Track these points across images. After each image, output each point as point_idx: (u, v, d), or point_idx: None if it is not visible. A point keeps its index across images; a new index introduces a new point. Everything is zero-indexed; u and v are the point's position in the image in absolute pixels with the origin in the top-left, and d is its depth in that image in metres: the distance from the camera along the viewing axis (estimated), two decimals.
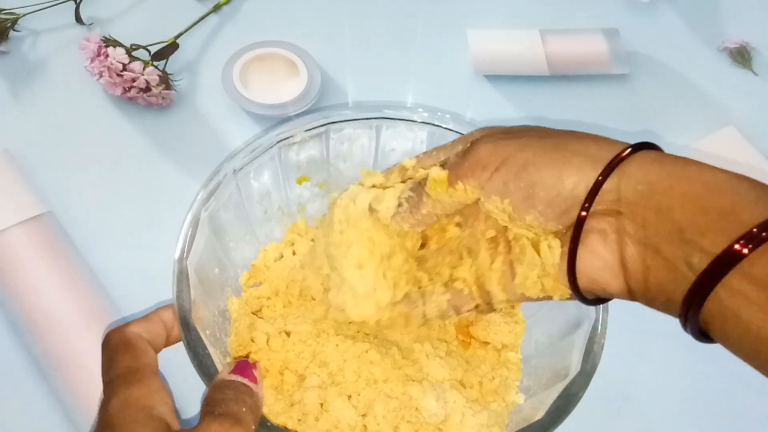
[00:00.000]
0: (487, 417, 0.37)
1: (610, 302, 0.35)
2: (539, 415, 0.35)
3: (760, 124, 0.57)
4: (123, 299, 0.47)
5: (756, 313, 0.22)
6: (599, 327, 0.37)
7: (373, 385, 0.37)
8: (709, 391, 0.48)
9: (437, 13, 0.61)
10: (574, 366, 0.36)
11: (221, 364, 0.35)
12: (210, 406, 0.32)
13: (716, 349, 0.49)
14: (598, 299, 0.30)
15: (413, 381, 0.37)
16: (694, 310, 0.24)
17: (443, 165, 0.32)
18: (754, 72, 0.60)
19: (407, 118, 0.43)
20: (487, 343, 0.42)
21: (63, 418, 0.44)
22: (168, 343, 0.36)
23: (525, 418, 0.36)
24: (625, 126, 0.58)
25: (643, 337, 0.48)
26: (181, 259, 0.37)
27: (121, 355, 0.33)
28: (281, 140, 0.42)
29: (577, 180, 0.27)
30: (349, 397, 0.36)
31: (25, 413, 0.45)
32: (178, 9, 0.58)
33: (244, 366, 0.35)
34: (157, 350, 0.34)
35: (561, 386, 0.36)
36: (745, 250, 0.22)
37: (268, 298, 0.41)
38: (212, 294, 0.39)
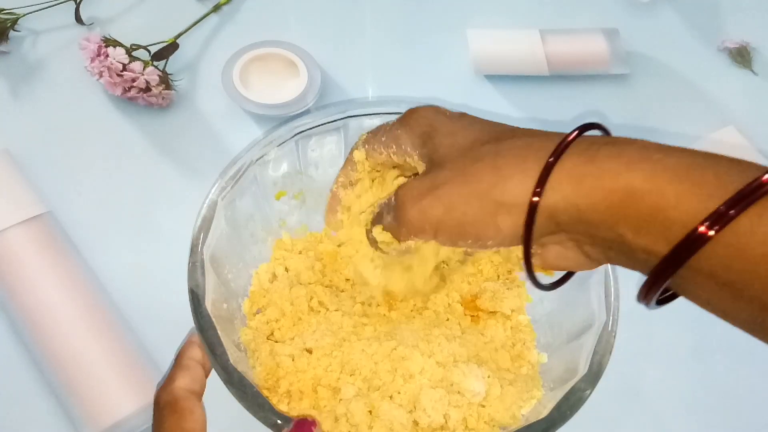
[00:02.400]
0: (523, 382, 0.38)
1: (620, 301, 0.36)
2: (546, 412, 0.35)
3: (760, 124, 0.57)
4: (123, 299, 0.47)
5: (716, 292, 0.24)
6: (609, 329, 0.37)
7: (410, 380, 0.37)
8: (717, 388, 0.48)
9: (437, 13, 0.61)
10: (582, 366, 0.37)
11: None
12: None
13: (723, 346, 0.49)
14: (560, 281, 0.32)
15: (448, 366, 0.38)
16: (657, 287, 0.25)
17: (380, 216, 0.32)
18: (754, 72, 0.60)
19: (374, 112, 0.42)
20: (495, 312, 0.42)
21: (63, 418, 0.44)
22: (207, 374, 0.36)
23: (533, 415, 0.36)
24: (625, 126, 0.58)
25: (653, 334, 0.48)
26: (199, 300, 0.36)
27: (168, 416, 0.33)
28: (258, 158, 0.41)
29: (511, 223, 0.27)
30: (391, 397, 0.37)
31: (24, 413, 0.45)
32: (178, 9, 0.58)
33: (302, 424, 0.34)
34: (203, 389, 0.35)
35: (568, 386, 0.36)
36: (711, 232, 0.22)
37: (277, 320, 0.41)
38: (226, 330, 0.39)
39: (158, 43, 0.53)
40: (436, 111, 0.32)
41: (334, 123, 0.42)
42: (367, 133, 0.36)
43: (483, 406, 0.37)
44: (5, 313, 0.46)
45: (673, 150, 0.25)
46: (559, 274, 0.32)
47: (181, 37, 0.55)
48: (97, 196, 0.51)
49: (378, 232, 0.32)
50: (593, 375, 0.36)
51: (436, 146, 0.30)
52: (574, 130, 0.27)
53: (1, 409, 0.45)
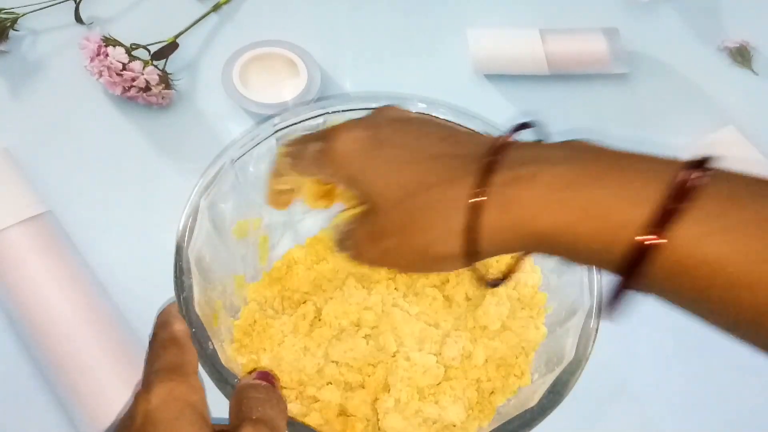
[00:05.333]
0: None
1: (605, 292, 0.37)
2: (533, 402, 0.36)
3: (760, 124, 0.57)
4: (123, 299, 0.47)
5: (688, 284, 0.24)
6: (593, 315, 0.38)
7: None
8: (703, 384, 0.49)
9: (437, 13, 0.61)
10: (567, 353, 0.37)
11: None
12: (246, 409, 0.32)
13: (712, 338, 0.49)
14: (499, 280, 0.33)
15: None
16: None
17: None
18: (754, 72, 0.60)
19: (353, 108, 0.42)
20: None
21: (63, 418, 0.44)
22: None
23: (520, 404, 0.37)
24: (624, 126, 0.58)
25: (638, 327, 0.48)
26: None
27: (167, 350, 0.33)
28: (238, 157, 0.42)
29: (454, 265, 0.29)
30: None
31: (25, 413, 0.45)
32: (178, 9, 0.58)
33: (266, 375, 0.35)
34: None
35: (554, 375, 0.36)
36: (663, 240, 0.23)
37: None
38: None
39: (158, 42, 0.53)
40: (353, 143, 0.31)
41: (314, 119, 0.42)
42: (287, 144, 0.36)
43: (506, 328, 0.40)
44: (5, 313, 0.46)
45: (583, 176, 0.25)
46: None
47: (181, 36, 0.55)
48: (97, 195, 0.51)
49: (345, 257, 0.33)
50: (578, 362, 0.37)
51: (367, 190, 0.30)
52: (491, 156, 0.27)
53: (1, 409, 0.45)
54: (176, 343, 0.34)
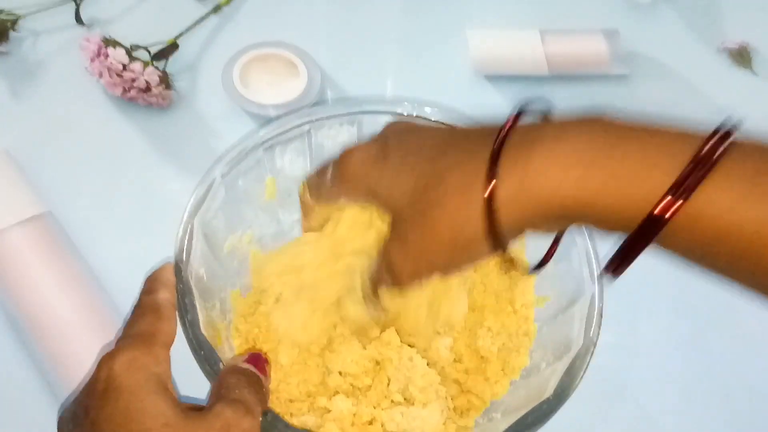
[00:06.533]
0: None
1: (606, 291, 0.38)
2: (548, 392, 0.35)
3: (760, 124, 0.57)
4: (123, 299, 0.47)
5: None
6: (596, 301, 0.38)
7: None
8: (704, 380, 0.48)
9: (437, 13, 0.61)
10: (575, 339, 0.37)
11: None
12: (225, 390, 0.32)
13: (713, 339, 0.49)
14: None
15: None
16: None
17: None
18: (754, 72, 0.60)
19: (336, 114, 0.42)
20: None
21: None
22: None
23: (533, 397, 0.37)
24: None
25: (638, 328, 0.48)
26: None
27: (144, 317, 0.33)
28: (228, 172, 0.41)
29: (485, 251, 0.28)
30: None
31: (24, 413, 0.45)
32: (178, 9, 0.58)
33: (257, 358, 0.35)
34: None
35: (565, 362, 0.36)
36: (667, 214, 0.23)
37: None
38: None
39: (158, 43, 0.53)
40: (362, 161, 0.32)
41: (298, 128, 0.42)
42: (306, 181, 0.36)
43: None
44: (5, 313, 0.46)
45: (605, 146, 0.25)
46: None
47: (181, 37, 0.55)
48: (97, 196, 0.51)
49: (384, 296, 0.33)
50: (587, 349, 0.36)
51: (386, 201, 0.31)
52: (501, 134, 0.27)
53: (0, 409, 0.45)
54: (155, 311, 0.33)
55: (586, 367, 0.36)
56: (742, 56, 0.60)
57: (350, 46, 0.59)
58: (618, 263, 0.26)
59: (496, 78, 0.58)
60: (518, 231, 0.27)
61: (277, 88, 0.53)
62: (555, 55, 0.57)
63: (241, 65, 0.53)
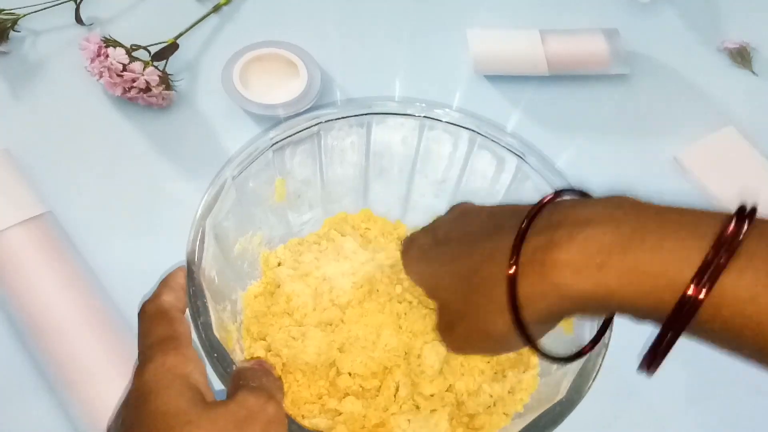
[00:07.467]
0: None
1: None
2: (561, 394, 0.35)
3: (760, 124, 0.57)
4: (123, 299, 0.47)
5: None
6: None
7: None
8: (714, 386, 0.48)
9: (437, 12, 0.61)
10: (587, 341, 0.37)
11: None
12: (244, 379, 0.32)
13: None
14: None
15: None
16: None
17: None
18: (754, 72, 0.60)
19: (344, 116, 0.42)
20: None
21: (62, 417, 0.44)
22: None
23: (545, 400, 0.36)
24: (624, 126, 0.58)
25: (647, 331, 0.48)
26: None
27: (158, 323, 0.33)
28: (238, 174, 0.41)
29: (515, 345, 0.29)
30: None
31: (24, 413, 0.45)
32: (178, 9, 0.58)
33: (261, 363, 0.36)
34: (185, 308, 0.35)
35: (578, 364, 0.36)
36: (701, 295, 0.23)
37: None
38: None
39: (158, 43, 0.53)
40: (416, 250, 0.36)
41: (309, 129, 0.42)
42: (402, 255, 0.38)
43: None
44: (5, 313, 0.46)
45: (623, 237, 0.25)
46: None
47: (181, 37, 0.55)
48: (97, 196, 0.51)
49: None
50: (600, 348, 0.36)
51: (433, 293, 0.34)
52: (519, 238, 0.28)
53: (0, 409, 0.45)
54: (165, 316, 0.33)
55: (599, 369, 0.36)
56: (742, 56, 0.60)
57: (350, 46, 0.59)
58: (651, 358, 0.26)
59: (496, 78, 0.58)
60: (548, 322, 0.28)
61: (277, 88, 0.53)
62: (555, 55, 0.57)
63: (241, 65, 0.53)
